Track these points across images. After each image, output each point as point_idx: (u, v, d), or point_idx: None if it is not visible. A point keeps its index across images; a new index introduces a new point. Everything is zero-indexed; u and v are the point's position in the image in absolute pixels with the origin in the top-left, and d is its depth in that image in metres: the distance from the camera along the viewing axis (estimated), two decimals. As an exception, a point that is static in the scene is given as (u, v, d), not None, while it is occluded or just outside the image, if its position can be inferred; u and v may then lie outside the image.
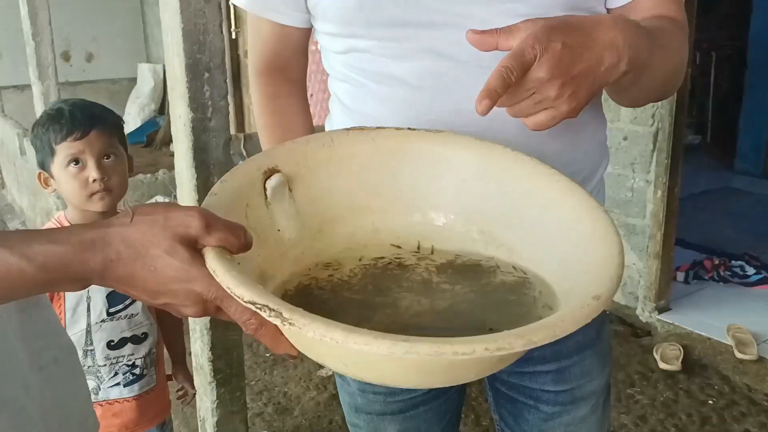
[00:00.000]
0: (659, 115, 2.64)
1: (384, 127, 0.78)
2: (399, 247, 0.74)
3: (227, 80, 2.02)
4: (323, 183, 0.74)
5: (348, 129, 0.78)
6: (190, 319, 1.68)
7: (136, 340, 1.44)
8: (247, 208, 0.66)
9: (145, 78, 6.49)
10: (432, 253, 0.74)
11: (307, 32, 0.95)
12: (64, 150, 1.32)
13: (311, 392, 2.45)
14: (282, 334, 0.58)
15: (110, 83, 6.60)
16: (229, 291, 0.53)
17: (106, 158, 1.35)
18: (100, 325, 1.40)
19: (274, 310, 0.50)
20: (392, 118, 0.82)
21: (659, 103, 2.62)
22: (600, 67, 0.65)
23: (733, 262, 3.17)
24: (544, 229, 0.70)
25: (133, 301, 1.42)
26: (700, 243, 3.44)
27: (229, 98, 2.77)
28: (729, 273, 3.08)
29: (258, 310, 0.51)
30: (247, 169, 0.69)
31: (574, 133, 0.84)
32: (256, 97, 1.00)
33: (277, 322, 0.51)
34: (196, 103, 1.79)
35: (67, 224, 1.38)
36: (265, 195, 0.69)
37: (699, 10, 2.58)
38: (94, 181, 1.32)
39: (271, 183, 0.69)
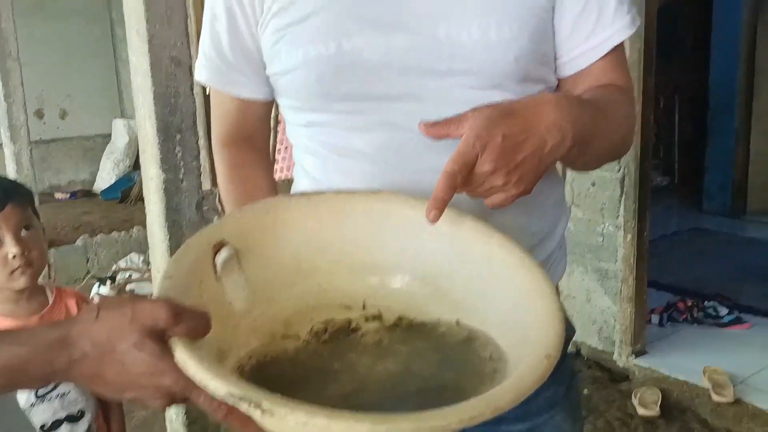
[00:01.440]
0: (625, 161, 2.70)
1: (324, 192, 0.81)
2: (347, 307, 0.75)
3: (199, 141, 2.04)
4: (270, 250, 0.75)
5: (290, 195, 0.81)
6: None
7: (72, 419, 1.36)
8: (200, 286, 0.67)
9: (120, 134, 6.49)
10: (379, 312, 0.75)
11: (270, 103, 0.97)
12: None
13: (290, 451, 2.41)
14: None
15: (84, 140, 6.58)
16: (202, 385, 0.53)
17: (25, 230, 1.30)
18: (30, 410, 1.31)
19: (253, 402, 0.51)
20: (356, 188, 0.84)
21: (625, 149, 2.69)
22: (544, 149, 0.69)
23: (705, 303, 3.21)
24: (485, 284, 0.73)
25: None
26: (673, 284, 3.49)
27: (204, 153, 2.79)
28: (702, 314, 3.12)
29: (236, 403, 0.51)
30: (197, 245, 0.70)
31: (528, 198, 0.86)
32: (220, 168, 1.01)
33: (256, 414, 0.51)
34: (168, 164, 1.80)
35: None
36: (215, 269, 0.69)
37: (661, 54, 2.68)
38: (14, 257, 1.26)
39: (221, 257, 0.70)
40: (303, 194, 0.80)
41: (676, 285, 3.48)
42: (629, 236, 2.73)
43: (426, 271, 0.76)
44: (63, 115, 6.60)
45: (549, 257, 0.93)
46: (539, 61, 0.85)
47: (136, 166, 6.36)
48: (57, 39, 6.29)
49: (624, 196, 2.73)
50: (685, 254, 4.11)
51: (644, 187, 2.72)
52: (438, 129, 0.74)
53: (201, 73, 0.97)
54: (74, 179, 6.57)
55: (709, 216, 4.86)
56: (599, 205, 2.81)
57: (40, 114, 6.38)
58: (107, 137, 6.62)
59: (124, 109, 6.83)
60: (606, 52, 0.85)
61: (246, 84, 0.94)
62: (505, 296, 0.70)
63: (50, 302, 1.37)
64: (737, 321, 3.07)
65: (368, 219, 0.78)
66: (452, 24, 0.81)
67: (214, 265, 0.69)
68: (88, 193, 6.35)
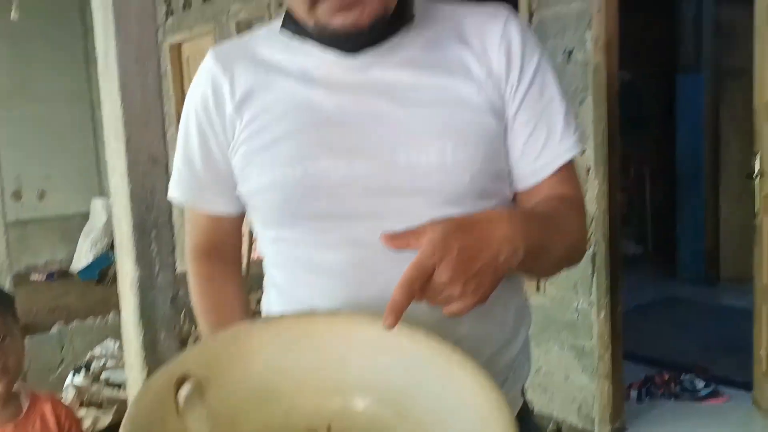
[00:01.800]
0: (595, 239, 2.77)
1: (285, 316, 0.84)
2: (312, 431, 0.76)
3: (175, 234, 2.07)
4: (233, 378, 0.76)
5: (252, 322, 0.83)
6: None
7: None
8: (162, 424, 0.68)
9: (98, 213, 6.49)
10: None
11: (242, 216, 1.01)
12: None
13: None
14: None
15: (62, 220, 6.57)
16: None
17: (2, 340, 1.30)
18: None
19: None
20: (322, 303, 0.87)
21: (594, 227, 2.77)
22: (498, 260, 0.73)
23: (683, 375, 3.22)
24: (446, 404, 0.74)
25: None
26: (650, 356, 3.51)
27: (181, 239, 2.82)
28: (679, 388, 3.14)
29: None
30: (159, 383, 0.71)
31: (488, 307, 0.90)
32: (192, 280, 1.04)
33: None
34: (143, 260, 1.82)
35: None
36: (177, 406, 0.70)
37: (630, 127, 2.78)
38: None
39: (183, 392, 0.71)
40: (264, 320, 0.83)
41: (653, 357, 3.50)
42: (603, 313, 2.77)
43: (389, 391, 0.78)
44: (41, 195, 6.60)
45: (511, 362, 0.96)
46: (494, 178, 0.91)
47: (114, 245, 6.33)
48: (37, 120, 6.37)
49: (596, 273, 2.78)
50: (661, 324, 4.15)
51: (615, 264, 2.77)
52: (398, 241, 0.78)
53: (175, 191, 1.01)
54: (51, 259, 6.52)
55: (684, 284, 4.93)
56: (572, 282, 2.86)
57: (17, 195, 6.37)
58: (86, 216, 6.61)
59: (103, 189, 6.85)
60: (554, 170, 0.91)
61: (218, 201, 0.98)
62: (464, 418, 0.72)
63: (24, 409, 1.37)
64: (714, 394, 3.09)
65: (329, 341, 0.80)
66: (411, 149, 0.86)
67: (177, 401, 0.70)
68: (65, 273, 6.30)
